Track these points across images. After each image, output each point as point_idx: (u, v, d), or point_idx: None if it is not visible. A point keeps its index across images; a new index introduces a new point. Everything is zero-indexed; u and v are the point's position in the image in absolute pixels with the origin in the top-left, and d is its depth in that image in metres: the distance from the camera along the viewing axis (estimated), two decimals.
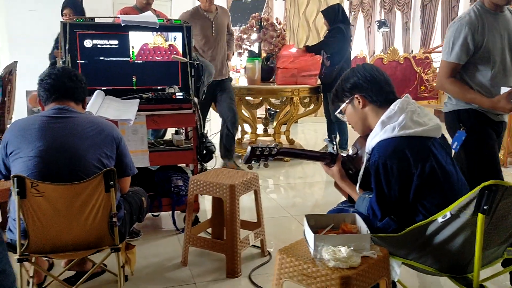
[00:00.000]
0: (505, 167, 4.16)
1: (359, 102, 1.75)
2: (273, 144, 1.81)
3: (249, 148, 1.77)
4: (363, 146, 1.82)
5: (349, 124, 1.89)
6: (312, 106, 5.04)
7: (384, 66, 7.49)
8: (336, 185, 1.94)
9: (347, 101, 1.80)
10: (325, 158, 1.88)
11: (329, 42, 4.67)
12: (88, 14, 3.54)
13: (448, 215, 1.46)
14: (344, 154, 1.93)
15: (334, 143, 1.90)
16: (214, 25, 4.13)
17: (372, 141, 1.67)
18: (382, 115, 1.68)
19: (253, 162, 1.78)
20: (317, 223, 1.66)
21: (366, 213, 1.68)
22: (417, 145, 1.60)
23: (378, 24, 11.91)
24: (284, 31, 5.20)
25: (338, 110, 1.85)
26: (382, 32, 12.08)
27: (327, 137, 5.25)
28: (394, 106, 1.67)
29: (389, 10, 12.28)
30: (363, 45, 13.17)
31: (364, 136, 1.85)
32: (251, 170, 1.89)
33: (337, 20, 4.69)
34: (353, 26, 13.54)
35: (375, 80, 1.73)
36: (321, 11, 5.03)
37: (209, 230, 2.77)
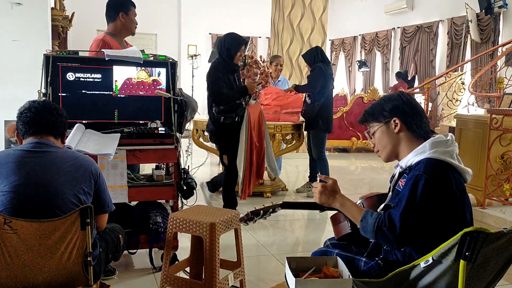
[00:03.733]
0: (483, 209, 4.21)
1: (396, 125, 1.69)
2: (275, 205, 1.75)
3: (248, 213, 1.72)
4: (369, 206, 1.75)
5: (373, 147, 1.79)
6: (294, 142, 5.07)
7: (365, 104, 7.63)
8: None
9: (383, 122, 1.72)
10: (317, 206, 1.79)
11: (314, 82, 4.76)
12: (73, 46, 3.51)
13: (430, 260, 1.45)
14: None
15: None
16: None
17: (416, 157, 1.61)
18: (414, 147, 1.65)
19: (250, 221, 1.74)
20: (299, 266, 1.64)
21: (377, 224, 1.53)
22: (459, 178, 1.60)
23: (358, 64, 12.23)
24: (268, 68, 5.28)
25: (369, 130, 1.77)
26: (363, 71, 12.39)
27: (309, 174, 5.27)
28: (446, 136, 1.66)
29: (369, 51, 12.63)
30: (344, 84, 13.46)
31: (374, 198, 1.79)
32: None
33: (316, 61, 4.83)
34: (334, 65, 13.87)
35: (418, 109, 1.70)
36: (301, 56, 5.19)
37: (188, 269, 2.70)
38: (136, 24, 3.42)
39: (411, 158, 1.63)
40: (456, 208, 1.56)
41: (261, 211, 1.72)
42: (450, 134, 1.68)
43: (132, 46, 3.14)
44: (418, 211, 1.51)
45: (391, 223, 1.50)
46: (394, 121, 1.69)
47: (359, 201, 1.81)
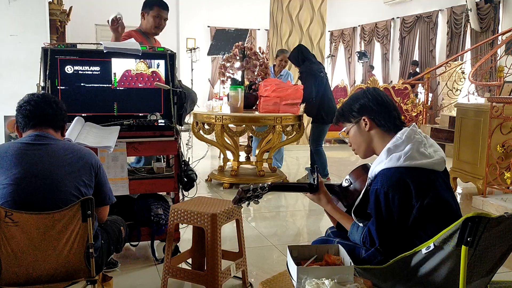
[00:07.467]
0: (484, 197, 4.21)
1: (366, 124, 1.73)
2: (265, 184, 1.73)
3: (239, 190, 1.70)
4: (357, 179, 1.80)
5: (350, 146, 1.84)
6: (294, 134, 5.06)
7: None
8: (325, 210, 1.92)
9: (353, 122, 1.77)
10: (304, 188, 1.82)
11: (307, 89, 4.82)
12: (72, 40, 3.50)
13: (432, 246, 1.45)
14: (337, 183, 1.91)
15: (315, 173, 1.82)
16: None
17: (376, 167, 1.66)
18: (387, 141, 1.68)
19: (242, 202, 1.71)
20: (300, 254, 1.64)
21: (362, 241, 1.65)
22: (421, 178, 1.58)
23: (358, 55, 12.19)
24: (267, 60, 5.26)
25: (342, 130, 1.83)
26: (362, 62, 12.35)
27: (309, 166, 5.28)
28: (402, 135, 1.66)
29: (369, 42, 12.58)
30: (344, 75, 13.42)
31: (359, 169, 1.84)
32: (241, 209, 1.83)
33: (299, 61, 4.94)
34: (333, 56, 13.83)
35: (384, 104, 1.72)
36: (287, 58, 5.32)
37: (190, 260, 2.71)
38: (157, 26, 3.58)
39: (373, 168, 1.68)
40: (427, 206, 1.57)
41: (251, 187, 1.70)
42: (405, 132, 1.66)
43: (159, 44, 3.30)
44: (388, 223, 1.58)
45: (371, 238, 1.61)
46: (364, 120, 1.74)
47: (347, 177, 1.87)
